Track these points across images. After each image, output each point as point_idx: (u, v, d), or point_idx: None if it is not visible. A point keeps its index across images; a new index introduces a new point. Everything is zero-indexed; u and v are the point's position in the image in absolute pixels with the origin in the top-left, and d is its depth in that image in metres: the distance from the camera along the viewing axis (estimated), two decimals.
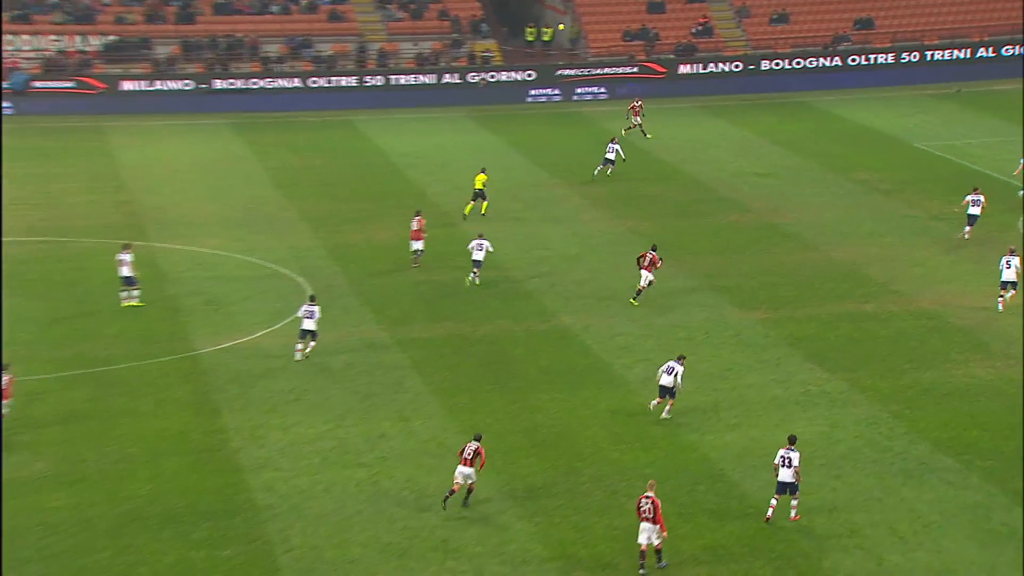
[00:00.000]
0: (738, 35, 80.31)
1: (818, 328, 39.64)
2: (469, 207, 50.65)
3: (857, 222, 50.21)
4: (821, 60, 76.81)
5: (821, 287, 43.10)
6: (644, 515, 27.39)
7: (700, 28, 79.42)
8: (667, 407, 33.64)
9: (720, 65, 76.12)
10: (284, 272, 45.10)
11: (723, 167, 58.85)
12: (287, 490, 30.59)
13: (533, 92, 74.12)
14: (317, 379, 36.53)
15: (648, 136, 62.39)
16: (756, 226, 49.84)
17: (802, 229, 49.41)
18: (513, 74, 74.40)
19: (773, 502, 29.03)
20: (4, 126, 63.34)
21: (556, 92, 74.29)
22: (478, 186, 50.78)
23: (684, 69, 75.67)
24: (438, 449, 32.48)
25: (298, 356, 37.42)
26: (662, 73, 75.52)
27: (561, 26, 74.24)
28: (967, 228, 47.75)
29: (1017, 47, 78.05)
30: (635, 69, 75.33)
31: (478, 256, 43.06)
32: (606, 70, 75.12)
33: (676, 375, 33.41)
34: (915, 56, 77.35)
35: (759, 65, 76.25)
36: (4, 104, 67.26)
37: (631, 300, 41.40)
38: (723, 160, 60.15)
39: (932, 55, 77.52)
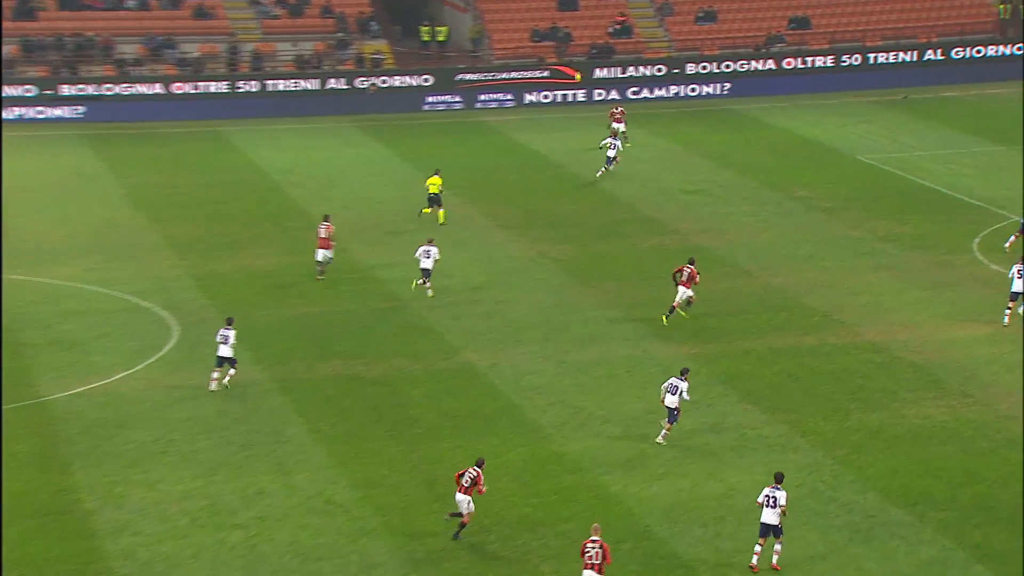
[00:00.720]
0: (660, 35, 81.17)
1: (754, 364, 40.08)
2: (428, 210, 52.70)
3: (796, 244, 50.94)
4: (753, 63, 77.91)
5: (757, 318, 43.61)
6: (589, 562, 27.74)
7: (618, 27, 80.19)
8: (663, 431, 35.18)
9: (641, 69, 76.87)
10: (145, 305, 44.60)
11: (646, 183, 59.39)
12: (150, 557, 30.18)
13: (430, 99, 74.27)
14: (185, 428, 36.14)
15: (628, 144, 63.27)
16: (684, 249, 50.29)
17: (735, 252, 50.01)
18: (407, 79, 74.50)
19: (757, 548, 29.41)
20: None
21: (456, 99, 74.51)
22: (433, 190, 52.60)
23: (600, 73, 76.33)
24: (324, 506, 32.26)
25: (213, 386, 37.98)
26: (575, 78, 76.10)
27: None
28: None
29: (968, 49, 79.87)
30: (545, 73, 75.85)
31: (425, 264, 44.66)
32: (512, 74, 75.52)
33: (681, 393, 34.81)
34: (856, 59, 78.80)
35: (684, 69, 77.12)
36: None
37: (662, 317, 42.67)
38: (646, 175, 60.69)
39: (875, 58, 79.05)
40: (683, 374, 35.30)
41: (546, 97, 75.21)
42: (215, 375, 38.04)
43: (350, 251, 49.81)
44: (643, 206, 55.97)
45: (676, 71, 76.90)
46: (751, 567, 29.38)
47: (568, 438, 35.51)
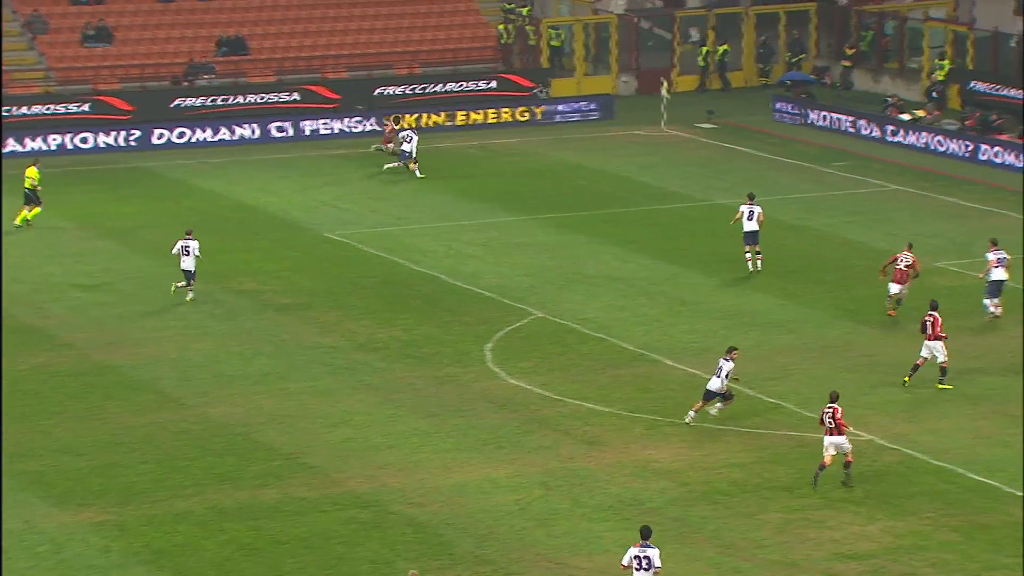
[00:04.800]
0: (33, 60, 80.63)
1: (191, 533, 39.85)
2: (22, 215, 61.58)
3: (241, 359, 51.25)
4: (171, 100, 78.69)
5: (191, 466, 43.49)
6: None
7: None
8: (716, 406, 44.51)
9: (5, 109, 75.98)
10: None
11: (21, 277, 58.65)
12: None
13: None
14: None
15: (383, 149, 71.73)
16: (81, 371, 49.71)
17: (158, 373, 49.83)
18: None
19: None
20: None
21: None
22: (28, 184, 61.73)
23: None
24: None
25: None
26: None
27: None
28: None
29: (465, 83, 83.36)
30: None
31: (187, 264, 54.26)
32: None
33: (724, 375, 43.73)
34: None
35: (72, 109, 76.81)
36: None
37: (904, 380, 48.31)
38: (22, 265, 59.90)
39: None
40: (729, 352, 44.12)
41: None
42: None
43: None
44: (18, 310, 55.22)
45: (60, 114, 76.41)
46: None
47: None
